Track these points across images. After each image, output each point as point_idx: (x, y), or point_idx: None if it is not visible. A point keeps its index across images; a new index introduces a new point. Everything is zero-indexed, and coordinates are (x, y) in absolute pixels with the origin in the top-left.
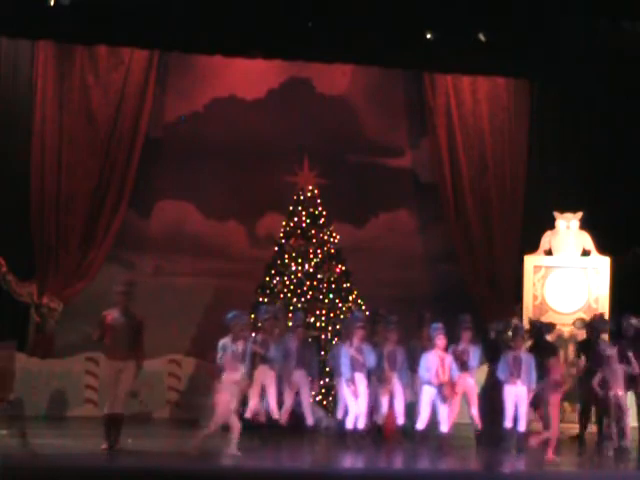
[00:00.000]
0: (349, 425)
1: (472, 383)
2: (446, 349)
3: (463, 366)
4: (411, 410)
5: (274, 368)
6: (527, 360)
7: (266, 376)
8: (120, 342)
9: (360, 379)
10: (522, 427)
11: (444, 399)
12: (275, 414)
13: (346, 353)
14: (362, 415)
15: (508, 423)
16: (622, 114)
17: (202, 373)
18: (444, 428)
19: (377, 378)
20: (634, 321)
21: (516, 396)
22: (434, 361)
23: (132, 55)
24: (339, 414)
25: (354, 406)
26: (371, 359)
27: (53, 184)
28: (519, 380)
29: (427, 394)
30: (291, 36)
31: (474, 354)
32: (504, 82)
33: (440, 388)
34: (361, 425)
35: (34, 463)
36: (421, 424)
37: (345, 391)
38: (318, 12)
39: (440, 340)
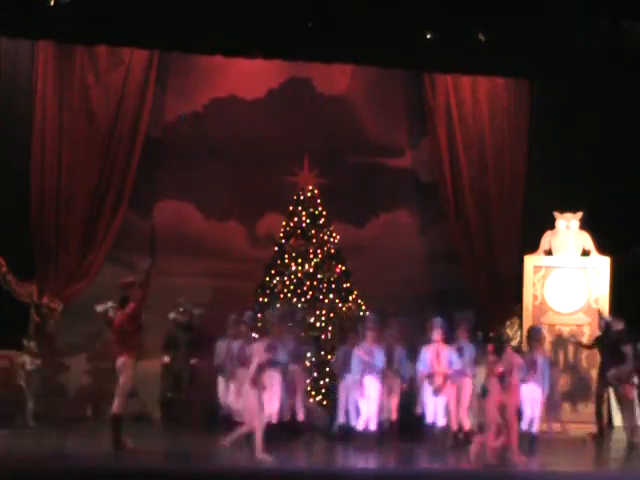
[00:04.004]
0: (359, 427)
1: (467, 382)
2: (444, 342)
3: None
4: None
5: (280, 371)
6: (542, 362)
7: (273, 379)
8: None
9: (371, 381)
10: (535, 428)
11: (436, 391)
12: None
13: (357, 355)
14: (373, 417)
15: (524, 425)
16: (622, 114)
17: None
18: (441, 422)
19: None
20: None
21: (531, 398)
22: (429, 354)
23: (132, 55)
24: (340, 416)
25: (366, 408)
26: (380, 361)
27: (53, 184)
28: (533, 382)
29: (427, 389)
30: (291, 36)
31: (469, 352)
32: (504, 82)
33: (431, 379)
34: (373, 427)
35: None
36: (429, 419)
37: (357, 393)
38: (318, 12)
39: (437, 333)
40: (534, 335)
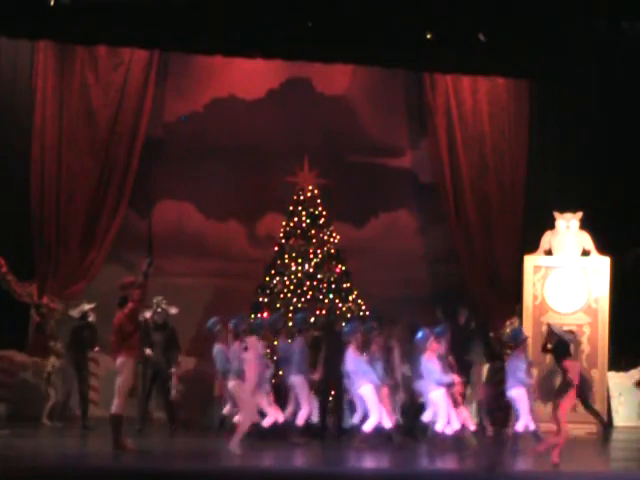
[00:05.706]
0: (368, 429)
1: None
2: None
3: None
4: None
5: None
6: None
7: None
8: None
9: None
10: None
11: (457, 402)
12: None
13: (363, 361)
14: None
15: (521, 425)
16: (622, 114)
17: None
18: (449, 430)
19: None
20: None
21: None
22: (439, 363)
23: (132, 55)
24: (355, 418)
25: (376, 411)
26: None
27: (53, 184)
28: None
29: (442, 395)
30: (291, 36)
31: None
32: (504, 82)
33: (450, 388)
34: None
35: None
36: (440, 426)
37: (371, 396)
38: (318, 12)
39: (443, 343)
40: (515, 338)
